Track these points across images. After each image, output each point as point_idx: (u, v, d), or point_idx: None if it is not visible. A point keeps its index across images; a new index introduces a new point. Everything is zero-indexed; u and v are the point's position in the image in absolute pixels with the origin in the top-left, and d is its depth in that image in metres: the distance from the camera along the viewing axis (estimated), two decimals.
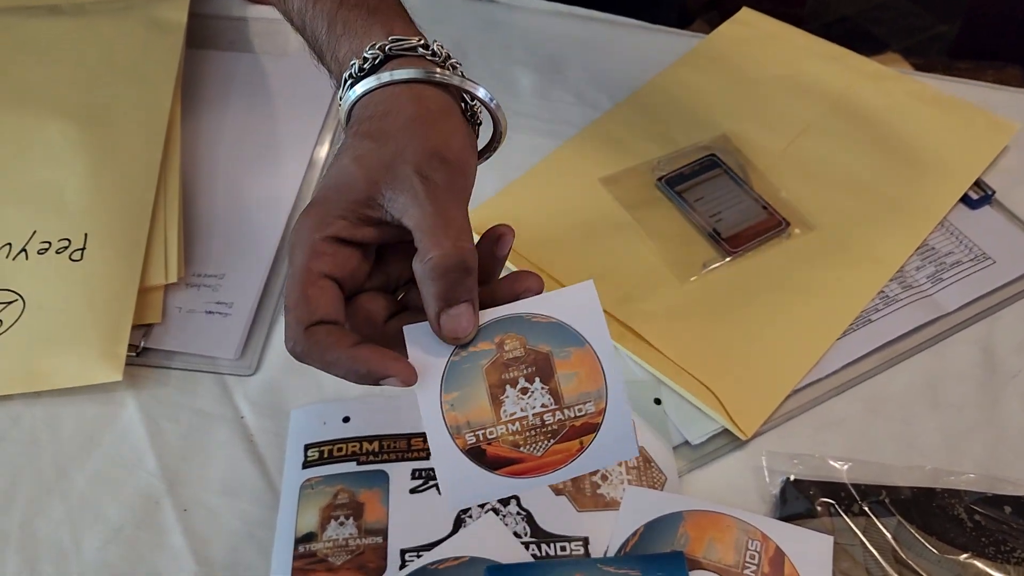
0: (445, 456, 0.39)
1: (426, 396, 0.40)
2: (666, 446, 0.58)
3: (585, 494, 0.56)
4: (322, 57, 0.50)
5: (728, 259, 0.67)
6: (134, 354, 0.63)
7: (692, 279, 0.66)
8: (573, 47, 0.84)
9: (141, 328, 0.64)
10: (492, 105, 0.45)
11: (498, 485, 0.39)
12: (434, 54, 0.45)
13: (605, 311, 0.63)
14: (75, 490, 0.58)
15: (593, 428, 0.40)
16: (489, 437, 0.40)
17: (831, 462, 0.56)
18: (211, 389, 0.62)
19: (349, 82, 0.45)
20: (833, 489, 0.55)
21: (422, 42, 0.45)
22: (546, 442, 0.40)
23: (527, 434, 0.40)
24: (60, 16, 0.80)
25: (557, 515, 0.55)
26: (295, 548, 0.54)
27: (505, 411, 0.40)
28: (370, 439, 0.59)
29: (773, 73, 0.80)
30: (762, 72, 0.80)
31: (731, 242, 0.68)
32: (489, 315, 0.41)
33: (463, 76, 0.45)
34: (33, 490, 0.58)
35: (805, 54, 0.81)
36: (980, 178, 0.71)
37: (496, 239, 0.43)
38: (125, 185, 0.69)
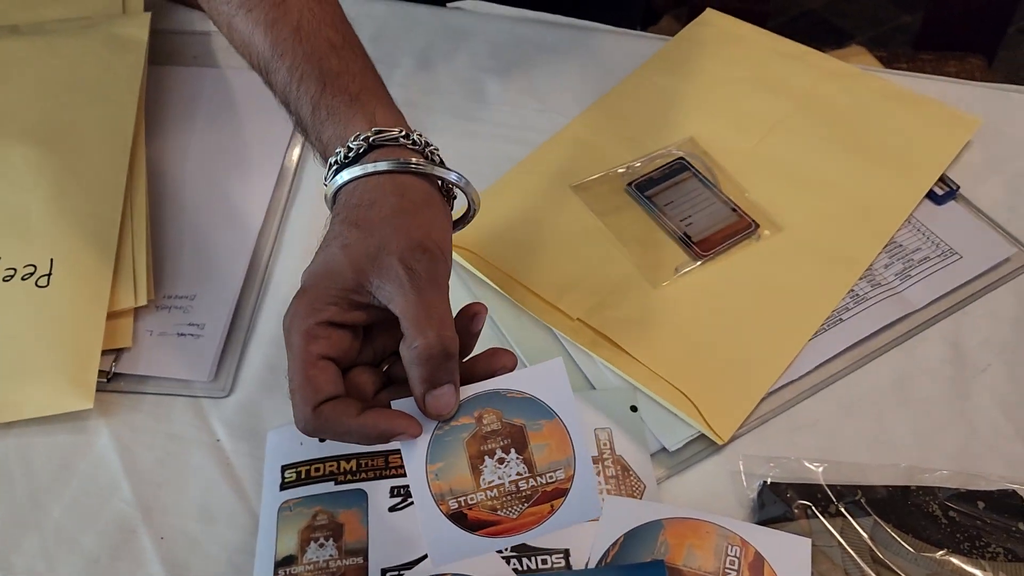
0: (431, 520, 0.44)
1: (413, 466, 0.44)
2: (644, 454, 0.58)
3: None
4: (306, 134, 0.52)
5: (699, 263, 0.67)
6: (105, 380, 0.62)
7: (664, 284, 0.66)
8: (539, 53, 0.84)
9: (111, 353, 0.63)
10: (463, 185, 0.50)
11: (477, 545, 0.44)
12: (414, 143, 0.49)
13: (579, 320, 0.64)
14: (50, 521, 0.57)
15: (562, 493, 0.44)
16: (470, 503, 0.44)
17: (807, 464, 0.57)
18: (185, 413, 0.62)
19: (334, 168, 0.48)
20: (809, 491, 0.55)
21: (403, 132, 0.48)
22: (521, 506, 0.44)
23: (504, 499, 0.44)
24: (19, 36, 0.79)
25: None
26: (275, 573, 0.54)
27: (484, 479, 0.44)
28: (347, 458, 0.58)
29: (738, 74, 0.80)
30: (727, 73, 0.80)
31: (702, 246, 0.68)
32: (468, 391, 0.45)
33: (439, 162, 0.50)
34: (6, 523, 0.57)
35: (769, 54, 0.82)
36: (944, 174, 0.72)
37: (471, 317, 0.47)
38: (90, 207, 0.68)
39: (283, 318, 0.45)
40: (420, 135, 0.49)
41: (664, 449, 0.59)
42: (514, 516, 0.44)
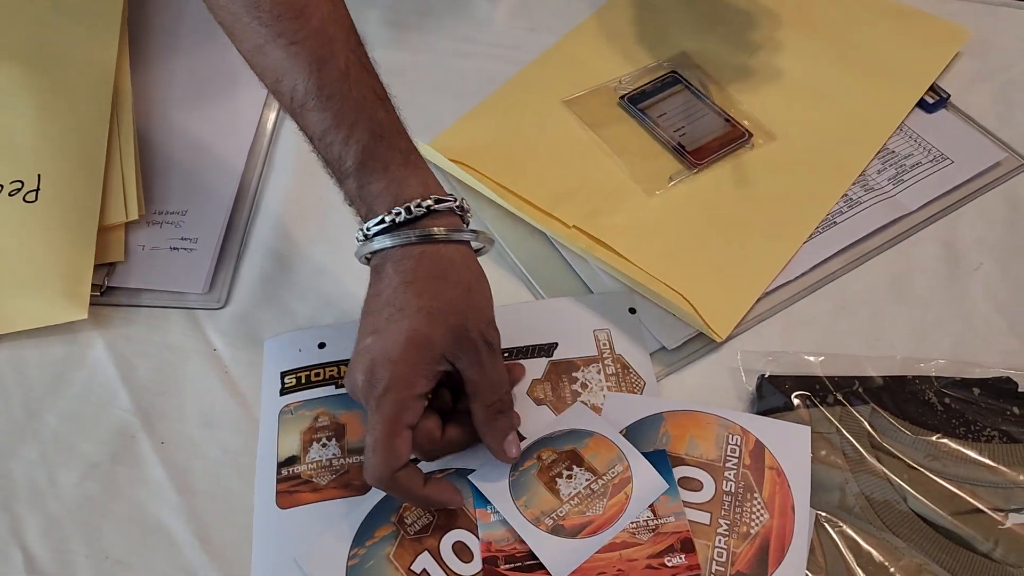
0: (538, 541, 0.50)
1: (505, 507, 0.51)
2: (643, 353, 0.59)
3: (567, 403, 0.56)
4: (340, 177, 0.52)
5: (694, 171, 0.67)
6: (98, 293, 0.62)
7: (659, 192, 0.66)
8: None
9: (104, 267, 0.63)
10: (487, 241, 0.53)
11: (585, 546, 0.50)
12: (461, 208, 0.52)
13: (575, 227, 0.64)
14: (47, 430, 0.57)
15: (628, 480, 0.52)
16: (562, 515, 0.51)
17: (805, 357, 0.57)
18: (181, 324, 0.61)
19: (383, 225, 0.50)
20: (808, 383, 0.56)
21: (457, 202, 0.52)
22: (601, 502, 0.51)
23: (586, 502, 0.51)
24: None
25: (540, 424, 0.55)
26: (278, 472, 0.54)
27: (563, 494, 0.52)
28: (346, 362, 0.58)
29: None
30: None
31: (696, 155, 0.68)
32: (524, 444, 0.54)
33: (468, 221, 0.53)
34: (3, 433, 0.56)
35: None
36: (935, 83, 0.72)
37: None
38: (77, 124, 0.67)
39: (373, 381, 0.48)
40: (463, 199, 0.52)
41: (663, 348, 0.59)
42: (600, 512, 0.51)
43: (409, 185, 0.51)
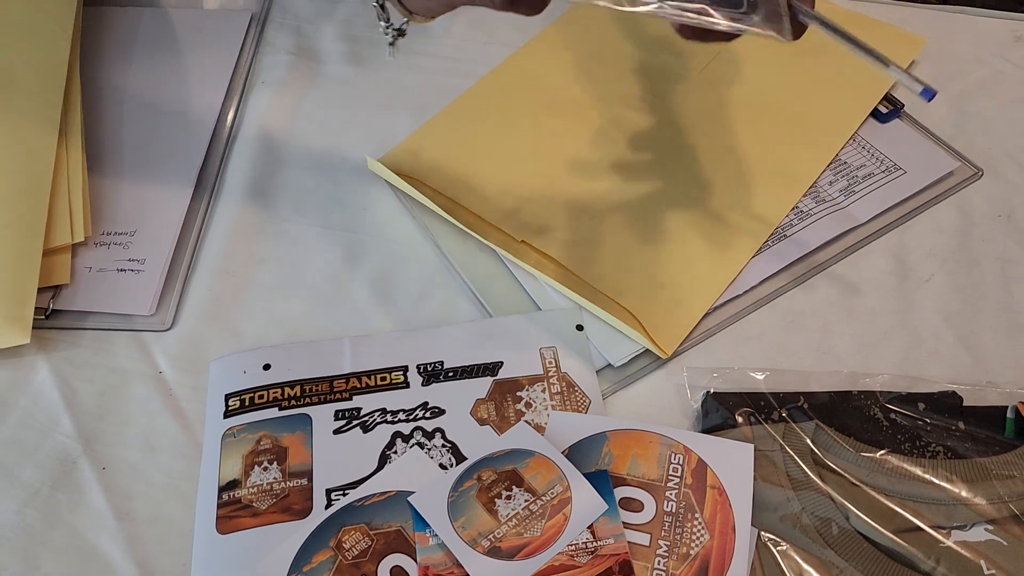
0: (474, 563, 0.49)
1: (442, 529, 0.51)
2: (589, 370, 0.58)
3: (510, 422, 0.56)
4: None
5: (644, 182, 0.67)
6: (43, 317, 0.61)
7: (608, 205, 0.66)
8: None
9: (49, 290, 0.62)
10: None
11: (522, 568, 0.49)
12: None
13: (524, 242, 0.64)
14: None
15: (568, 501, 0.51)
16: (499, 536, 0.50)
17: (750, 373, 0.57)
18: (126, 347, 0.61)
19: None
20: (753, 399, 0.56)
21: None
22: (539, 523, 0.51)
23: (524, 524, 0.51)
24: None
25: (483, 444, 0.55)
26: (219, 496, 0.54)
27: (502, 515, 0.51)
28: (291, 384, 0.58)
29: None
30: None
31: None
32: (464, 467, 0.53)
33: None
34: None
35: None
36: (889, 92, 0.72)
37: None
38: (22, 144, 0.66)
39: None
40: None
41: (610, 365, 0.59)
42: (538, 534, 0.50)
43: None
